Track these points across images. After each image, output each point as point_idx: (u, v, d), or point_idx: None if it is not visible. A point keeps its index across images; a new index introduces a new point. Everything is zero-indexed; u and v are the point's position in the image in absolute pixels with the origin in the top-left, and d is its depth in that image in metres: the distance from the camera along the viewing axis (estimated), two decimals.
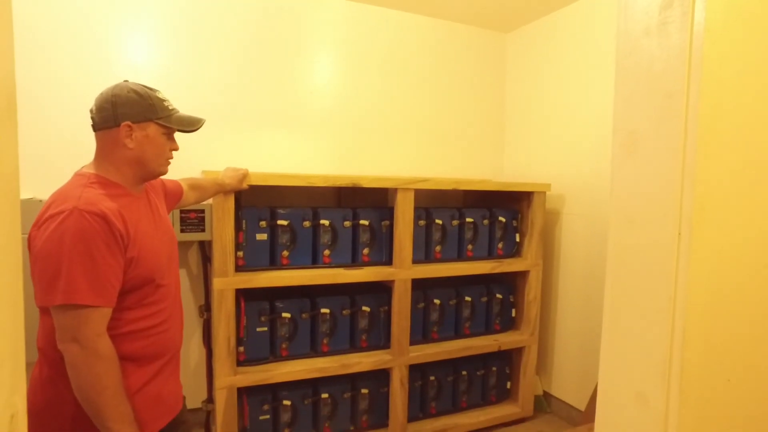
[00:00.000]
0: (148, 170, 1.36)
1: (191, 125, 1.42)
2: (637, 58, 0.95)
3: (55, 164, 2.26)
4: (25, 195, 2.17)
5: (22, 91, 2.18)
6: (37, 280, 1.17)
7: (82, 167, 1.33)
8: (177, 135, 1.43)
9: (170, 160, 1.42)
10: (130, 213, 1.28)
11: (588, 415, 2.37)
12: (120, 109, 1.29)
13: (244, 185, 2.08)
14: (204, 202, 2.02)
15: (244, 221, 2.19)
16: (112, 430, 1.17)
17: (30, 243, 1.20)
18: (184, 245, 2.56)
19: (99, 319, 1.17)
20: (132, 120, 1.30)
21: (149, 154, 1.33)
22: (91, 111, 1.32)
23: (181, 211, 2.26)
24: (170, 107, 1.38)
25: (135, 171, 1.34)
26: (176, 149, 1.42)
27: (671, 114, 0.90)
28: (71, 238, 1.13)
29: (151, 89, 1.36)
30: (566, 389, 2.96)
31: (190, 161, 2.45)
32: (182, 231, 2.28)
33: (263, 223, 2.23)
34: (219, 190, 2.00)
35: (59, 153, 2.27)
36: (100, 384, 1.15)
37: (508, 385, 2.94)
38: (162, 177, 1.56)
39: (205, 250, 2.57)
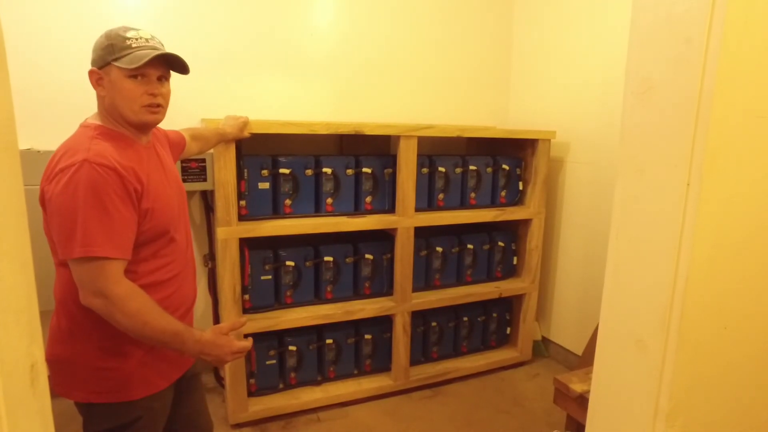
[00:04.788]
0: (127, 120, 1.24)
1: (139, 60, 1.19)
2: None
3: (50, 113, 2.21)
4: (22, 146, 2.14)
5: (12, 39, 2.11)
6: (55, 235, 1.15)
7: (87, 118, 1.28)
8: (173, 79, 1.32)
9: (153, 108, 1.25)
10: (140, 164, 1.24)
11: (585, 359, 2.44)
12: (91, 55, 1.24)
13: (245, 133, 2.04)
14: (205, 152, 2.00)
15: (245, 170, 2.17)
16: (180, 350, 1.24)
17: (43, 197, 1.16)
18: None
19: (116, 270, 1.15)
20: (96, 65, 1.22)
21: (118, 101, 1.22)
22: None
23: (182, 161, 2.24)
24: (132, 45, 1.20)
25: (119, 121, 1.25)
26: (154, 93, 1.24)
27: (689, 60, 0.87)
28: (84, 190, 1.11)
29: (125, 28, 1.23)
30: (564, 335, 3.03)
31: (187, 109, 2.40)
32: (184, 181, 2.25)
33: (265, 172, 2.22)
34: (220, 139, 1.97)
35: (54, 102, 2.21)
36: (141, 320, 1.16)
37: (508, 330, 3.01)
38: (163, 128, 1.52)
39: (208, 199, 2.57)
